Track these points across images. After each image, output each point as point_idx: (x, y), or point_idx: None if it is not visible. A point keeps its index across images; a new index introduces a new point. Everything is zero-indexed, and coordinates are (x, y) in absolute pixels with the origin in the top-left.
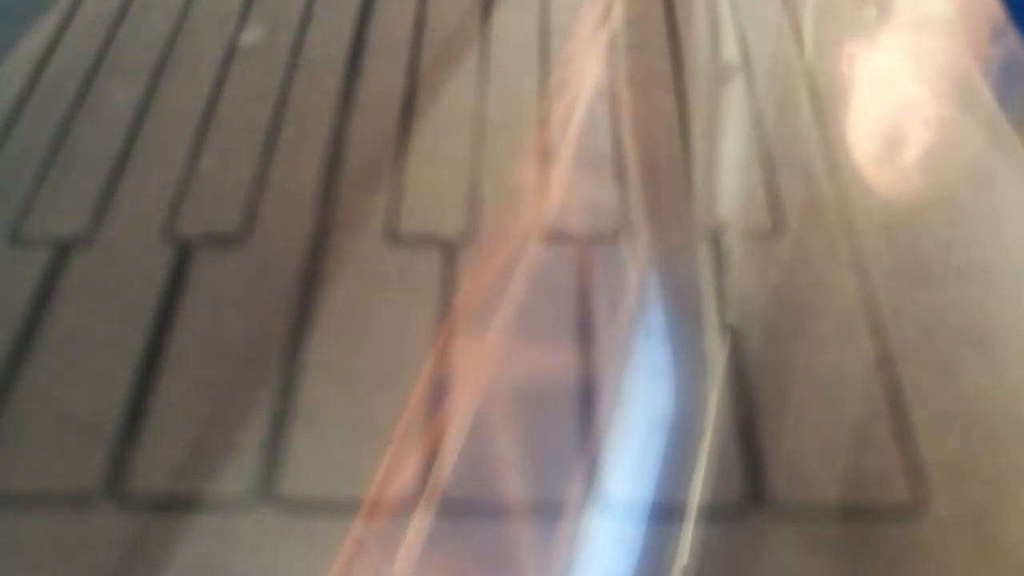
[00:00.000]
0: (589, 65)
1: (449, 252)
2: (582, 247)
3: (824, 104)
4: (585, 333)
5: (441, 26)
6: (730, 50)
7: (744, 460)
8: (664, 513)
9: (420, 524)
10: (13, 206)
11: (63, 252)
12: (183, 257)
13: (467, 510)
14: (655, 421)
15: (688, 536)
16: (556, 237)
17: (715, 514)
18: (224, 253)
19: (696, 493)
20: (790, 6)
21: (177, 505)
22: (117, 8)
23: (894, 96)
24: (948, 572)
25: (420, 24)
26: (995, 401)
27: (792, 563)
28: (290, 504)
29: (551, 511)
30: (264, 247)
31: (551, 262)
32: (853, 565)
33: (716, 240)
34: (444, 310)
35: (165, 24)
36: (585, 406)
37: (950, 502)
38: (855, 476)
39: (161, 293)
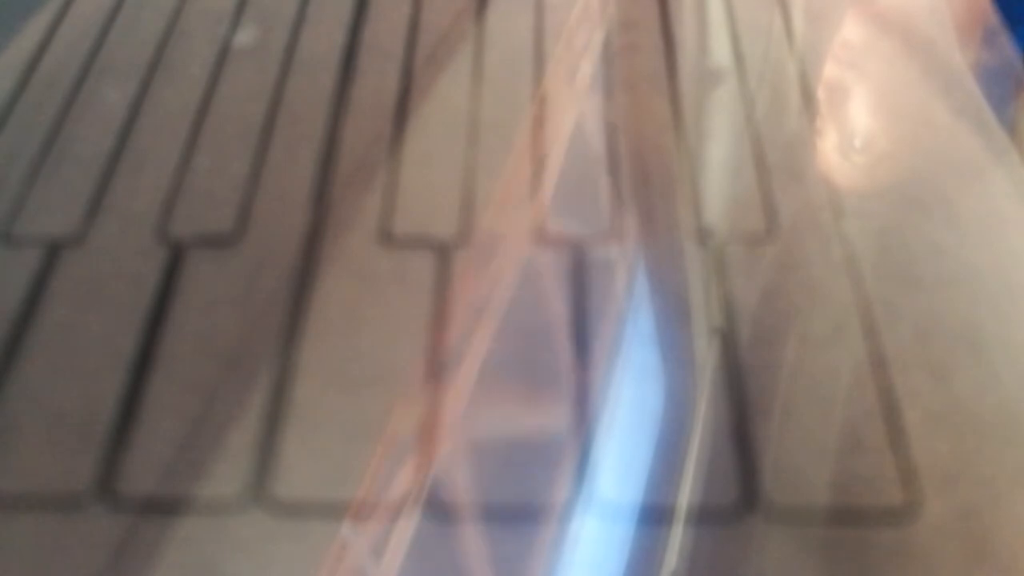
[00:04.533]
0: (582, 67)
1: (442, 253)
2: (574, 249)
3: (817, 107)
4: (576, 335)
5: (435, 27)
6: (723, 53)
7: (736, 463)
8: (655, 516)
9: (411, 526)
10: (4, 205)
11: (54, 252)
12: (175, 257)
13: (457, 512)
14: (646, 424)
15: (677, 539)
16: (548, 239)
17: (707, 517)
18: (217, 253)
19: (687, 496)
20: (783, 9)
21: (168, 507)
22: (110, 7)
23: (887, 99)
24: (941, 575)
25: (414, 25)
26: (988, 404)
27: (784, 566)
28: (282, 506)
29: (541, 513)
30: (257, 248)
31: (543, 264)
32: (845, 568)
33: (708, 243)
34: (437, 311)
35: (158, 24)
36: (576, 408)
37: (943, 505)
38: (847, 479)
39: (153, 293)
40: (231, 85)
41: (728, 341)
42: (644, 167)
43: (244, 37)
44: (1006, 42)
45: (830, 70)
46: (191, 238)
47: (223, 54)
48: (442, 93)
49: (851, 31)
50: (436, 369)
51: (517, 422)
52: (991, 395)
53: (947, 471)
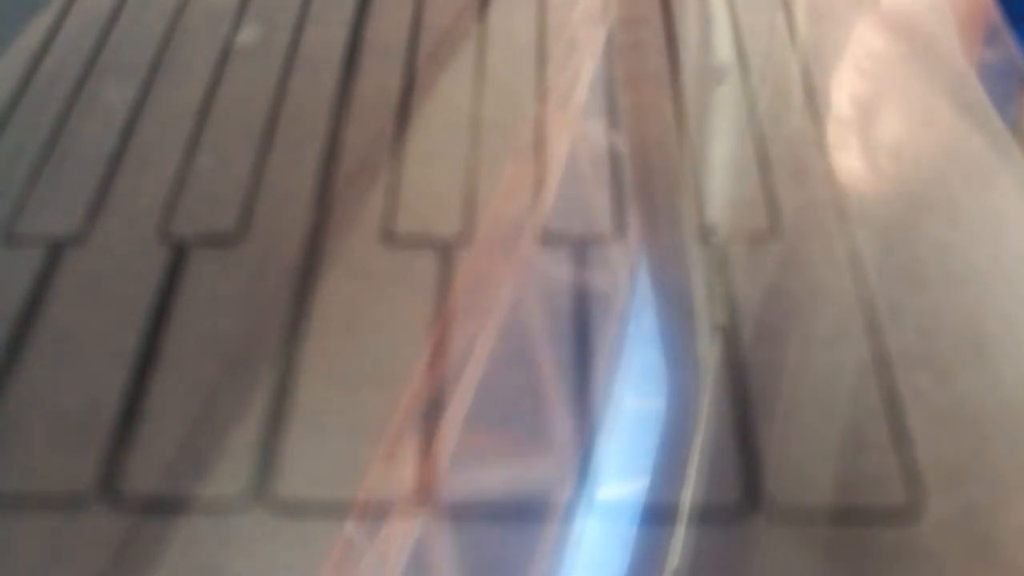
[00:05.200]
0: (585, 65)
1: (445, 252)
2: (577, 247)
3: (820, 106)
4: (579, 334)
5: (437, 26)
6: (726, 51)
7: (739, 462)
8: (657, 515)
9: (414, 525)
10: (6, 205)
11: (56, 251)
12: (178, 256)
13: (459, 511)
14: (648, 422)
15: (679, 538)
16: (551, 238)
17: (709, 516)
18: (219, 253)
19: (689, 495)
20: (786, 7)
21: (171, 506)
22: (112, 7)
23: (889, 98)
24: (945, 575)
25: (417, 24)
26: (992, 404)
27: (787, 566)
28: (285, 505)
29: (543, 512)
30: (259, 247)
31: (546, 263)
32: (849, 568)
33: (711, 241)
34: (440, 310)
35: (161, 22)
36: (578, 407)
37: (947, 505)
38: (851, 479)
39: (155, 293)
40: (233, 84)
41: (731, 340)
42: (647, 165)
43: (246, 36)
44: (1009, 40)
45: (833, 68)
46: (193, 237)
47: (225, 53)
48: (444, 92)
49: (854, 29)
50: (438, 368)
51: (519, 421)
52: (995, 395)
53: (951, 471)
